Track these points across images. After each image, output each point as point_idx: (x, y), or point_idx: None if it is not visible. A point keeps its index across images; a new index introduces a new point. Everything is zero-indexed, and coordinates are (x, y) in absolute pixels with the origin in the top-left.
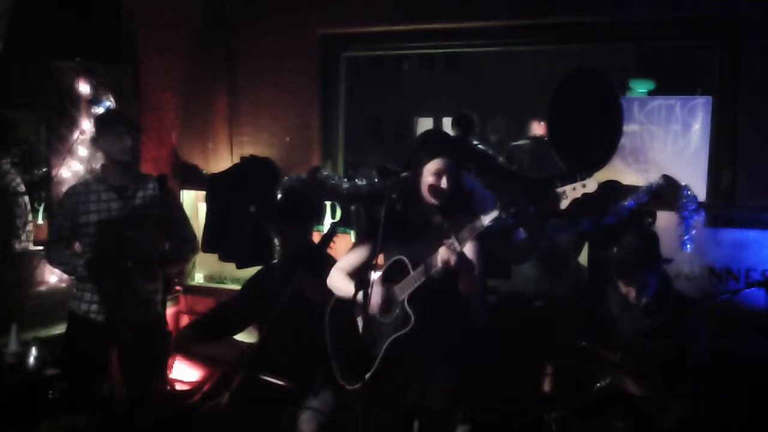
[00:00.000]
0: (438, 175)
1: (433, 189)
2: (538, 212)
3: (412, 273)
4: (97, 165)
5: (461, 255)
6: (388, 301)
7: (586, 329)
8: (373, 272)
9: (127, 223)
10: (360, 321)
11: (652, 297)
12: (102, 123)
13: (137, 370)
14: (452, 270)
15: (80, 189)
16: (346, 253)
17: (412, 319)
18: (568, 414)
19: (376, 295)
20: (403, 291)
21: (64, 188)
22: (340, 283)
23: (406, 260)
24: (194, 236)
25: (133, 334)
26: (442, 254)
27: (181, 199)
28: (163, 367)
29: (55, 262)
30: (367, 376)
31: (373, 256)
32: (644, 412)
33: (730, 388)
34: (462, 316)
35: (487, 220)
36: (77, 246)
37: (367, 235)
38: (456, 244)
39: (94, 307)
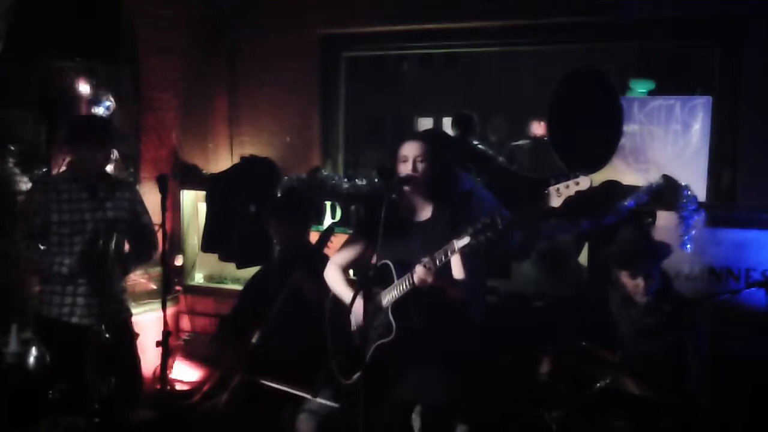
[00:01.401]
0: (404, 161)
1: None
2: (519, 230)
3: (395, 281)
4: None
5: (438, 273)
6: (374, 305)
7: (586, 329)
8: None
9: (99, 223)
10: (353, 319)
11: (653, 296)
12: (75, 132)
13: (115, 369)
14: (432, 286)
15: (50, 186)
16: (341, 248)
17: (394, 328)
18: (568, 414)
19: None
20: (386, 298)
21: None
22: (336, 282)
23: (391, 265)
24: (156, 243)
25: (107, 333)
26: (419, 273)
27: (180, 200)
28: (139, 365)
29: (29, 262)
30: (356, 376)
31: (370, 255)
32: (644, 412)
33: (730, 388)
34: (449, 321)
35: (459, 245)
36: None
37: (363, 231)
38: (431, 264)
39: (66, 309)
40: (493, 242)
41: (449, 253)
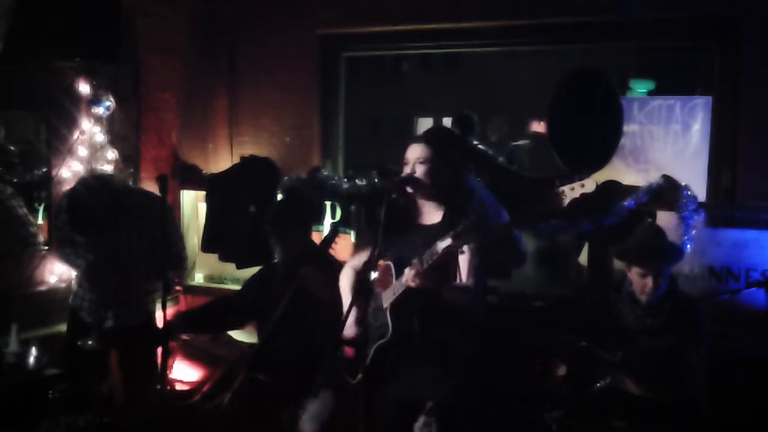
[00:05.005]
0: (405, 164)
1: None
2: (510, 228)
3: (394, 281)
4: (97, 165)
5: (427, 274)
6: (376, 305)
7: (586, 329)
8: (372, 275)
9: (122, 228)
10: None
11: (656, 297)
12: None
13: (130, 370)
14: (424, 287)
15: None
16: (355, 252)
17: (390, 329)
18: (568, 414)
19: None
20: (385, 299)
21: (64, 188)
22: (347, 286)
23: (392, 266)
24: (185, 257)
25: (122, 334)
26: (407, 275)
27: (180, 200)
28: (155, 367)
29: (63, 262)
30: (358, 376)
31: (372, 257)
32: (644, 412)
33: (731, 388)
34: (446, 324)
35: (441, 246)
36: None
37: (370, 235)
38: (418, 265)
39: (86, 304)
40: (484, 244)
41: (433, 255)
